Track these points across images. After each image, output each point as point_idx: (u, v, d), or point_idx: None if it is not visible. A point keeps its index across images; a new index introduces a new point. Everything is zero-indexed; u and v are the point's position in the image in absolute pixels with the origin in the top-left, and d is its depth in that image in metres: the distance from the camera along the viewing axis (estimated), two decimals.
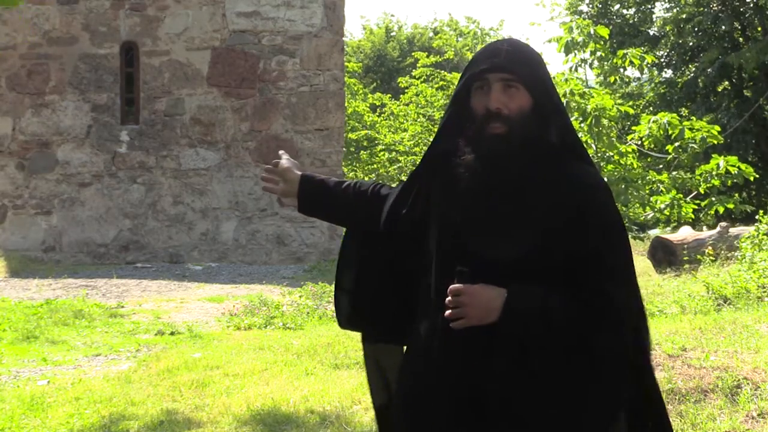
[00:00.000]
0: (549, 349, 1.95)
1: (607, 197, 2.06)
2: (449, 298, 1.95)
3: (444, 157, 2.11)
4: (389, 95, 24.88)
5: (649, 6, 26.37)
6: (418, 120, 21.97)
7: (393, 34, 33.41)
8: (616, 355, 2.01)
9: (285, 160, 2.35)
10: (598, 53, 12.03)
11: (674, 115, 12.20)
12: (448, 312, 1.95)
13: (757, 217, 11.10)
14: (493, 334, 1.95)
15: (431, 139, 2.37)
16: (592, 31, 11.69)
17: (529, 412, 1.95)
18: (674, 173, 12.58)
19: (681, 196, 11.93)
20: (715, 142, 11.89)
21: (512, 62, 1.99)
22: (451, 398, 2.00)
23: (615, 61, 12.16)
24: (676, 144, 11.87)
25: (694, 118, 14.49)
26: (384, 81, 31.73)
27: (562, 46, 11.77)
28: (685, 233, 11.88)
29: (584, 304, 1.96)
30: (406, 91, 23.64)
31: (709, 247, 10.67)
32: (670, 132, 11.54)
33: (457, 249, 2.01)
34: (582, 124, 10.93)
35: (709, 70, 22.79)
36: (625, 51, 12.29)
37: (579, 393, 1.96)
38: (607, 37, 11.97)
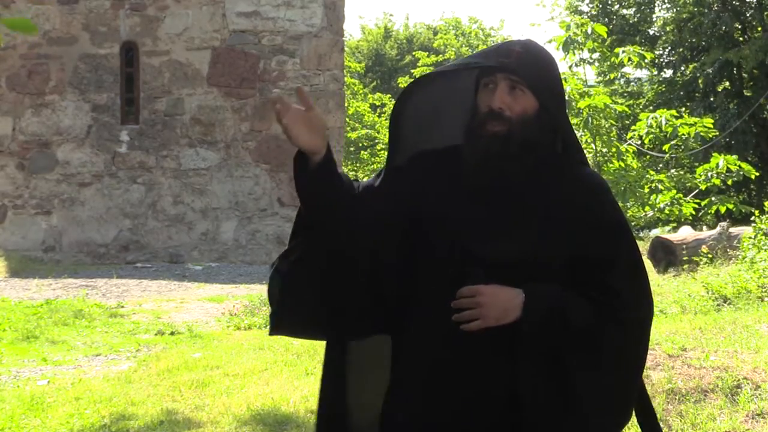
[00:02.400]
0: (565, 348, 1.95)
1: (611, 196, 2.07)
2: (463, 299, 1.93)
3: (441, 152, 2.10)
4: (389, 95, 24.90)
5: (650, 6, 26.37)
6: None
7: (391, 34, 33.40)
8: (629, 354, 2.01)
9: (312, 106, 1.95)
10: (597, 52, 12.06)
11: (673, 111, 12.22)
12: (464, 313, 1.93)
13: (752, 218, 11.12)
14: (508, 336, 1.94)
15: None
16: (589, 30, 11.70)
17: (544, 413, 1.94)
18: (672, 170, 12.60)
19: (681, 195, 11.94)
20: (709, 135, 11.93)
21: (522, 65, 1.98)
22: (466, 404, 1.96)
23: (612, 59, 12.17)
24: (672, 142, 11.89)
25: (686, 115, 14.51)
26: (383, 81, 31.75)
27: (560, 44, 11.78)
28: (685, 233, 11.87)
29: (598, 304, 1.97)
30: None
31: (704, 247, 10.66)
32: (665, 130, 11.56)
33: (456, 249, 1.99)
34: (579, 124, 10.94)
35: (708, 69, 22.79)
36: (621, 49, 12.29)
37: (591, 391, 1.96)
38: (605, 35, 11.97)
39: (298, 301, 2.08)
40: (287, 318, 2.11)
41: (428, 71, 2.79)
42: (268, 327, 2.15)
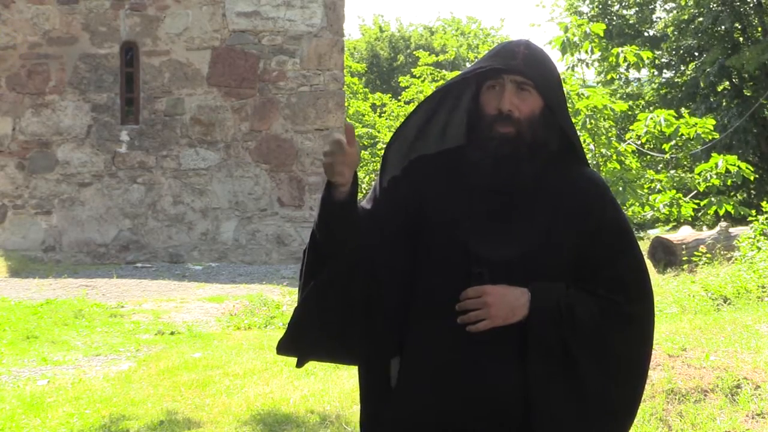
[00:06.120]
0: (573, 346, 1.95)
1: (611, 195, 2.09)
2: (469, 300, 1.93)
3: (443, 154, 2.10)
4: (389, 95, 24.92)
5: (650, 6, 26.37)
6: None
7: (384, 33, 33.41)
8: (635, 352, 2.03)
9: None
10: (595, 53, 12.02)
11: (671, 111, 12.21)
12: (471, 314, 1.93)
13: (748, 218, 11.12)
14: (515, 335, 1.94)
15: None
16: (588, 30, 11.67)
17: (554, 412, 1.94)
18: (672, 172, 12.58)
19: (680, 195, 11.93)
20: (710, 137, 11.92)
21: (528, 65, 1.98)
22: (474, 405, 1.96)
23: (610, 59, 12.13)
24: (672, 142, 11.88)
25: (686, 115, 14.48)
26: (382, 81, 31.78)
27: (558, 45, 11.77)
28: (685, 233, 11.87)
29: (603, 301, 1.98)
30: (406, 90, 23.68)
31: (702, 246, 10.66)
32: (665, 129, 11.54)
33: (460, 249, 1.99)
34: (578, 124, 10.94)
35: (708, 70, 22.79)
36: (619, 49, 12.27)
37: (599, 390, 1.97)
38: (602, 34, 11.93)
39: (316, 324, 2.07)
40: (301, 340, 2.11)
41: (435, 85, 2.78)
42: (278, 345, 2.15)
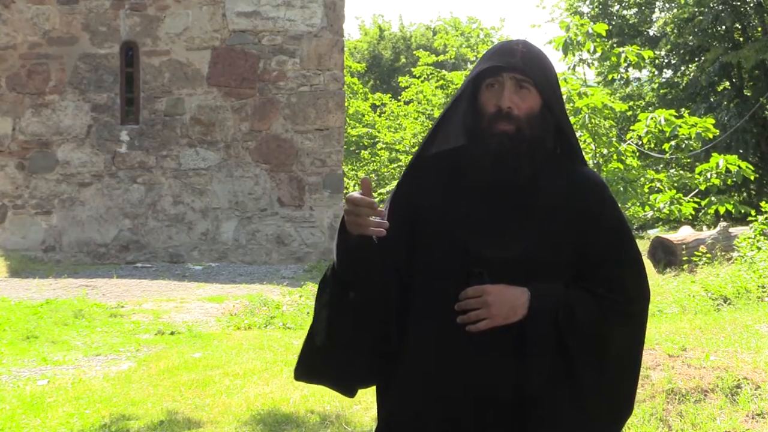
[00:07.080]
0: (572, 345, 1.96)
1: (610, 194, 2.10)
2: (469, 299, 1.93)
3: (442, 154, 2.10)
4: (389, 95, 24.93)
5: (650, 6, 26.37)
6: (418, 119, 22.03)
7: (385, 33, 33.42)
8: (632, 350, 2.04)
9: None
10: (597, 52, 12.03)
11: (672, 111, 12.22)
12: (471, 314, 1.93)
13: (748, 218, 11.13)
14: (515, 334, 1.94)
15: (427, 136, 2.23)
16: (590, 30, 11.68)
17: (553, 411, 1.94)
18: (672, 171, 12.58)
19: (681, 195, 11.94)
20: (710, 135, 11.92)
21: (527, 63, 1.99)
22: (471, 404, 1.96)
23: (612, 59, 12.14)
24: (672, 142, 11.88)
25: (686, 115, 14.48)
26: (382, 81, 31.78)
27: (560, 44, 11.77)
28: (685, 233, 11.86)
29: (602, 299, 1.98)
30: (405, 90, 23.69)
31: (702, 246, 10.65)
32: (665, 129, 11.55)
33: (459, 249, 1.99)
34: (578, 124, 10.94)
35: (709, 69, 22.78)
36: (621, 49, 12.27)
37: (597, 388, 1.97)
38: (605, 35, 11.94)
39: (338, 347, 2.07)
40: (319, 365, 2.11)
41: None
42: (295, 372, 2.15)
